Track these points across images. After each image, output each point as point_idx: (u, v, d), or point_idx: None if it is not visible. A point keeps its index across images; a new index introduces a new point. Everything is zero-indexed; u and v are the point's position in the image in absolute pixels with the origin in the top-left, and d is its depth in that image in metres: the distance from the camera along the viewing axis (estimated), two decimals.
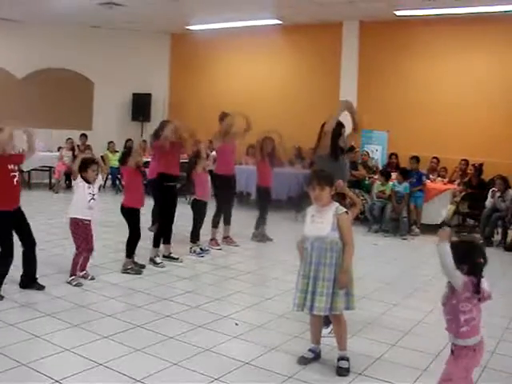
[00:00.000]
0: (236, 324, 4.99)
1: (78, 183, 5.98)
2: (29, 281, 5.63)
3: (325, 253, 3.98)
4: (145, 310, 5.28)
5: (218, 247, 8.12)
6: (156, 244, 7.05)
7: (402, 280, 6.74)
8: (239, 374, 3.99)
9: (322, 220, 4.03)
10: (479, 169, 10.73)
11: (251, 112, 13.87)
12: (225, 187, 8.36)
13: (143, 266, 6.70)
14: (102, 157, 14.09)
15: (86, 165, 6.04)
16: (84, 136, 14.63)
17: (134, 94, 15.85)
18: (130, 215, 6.53)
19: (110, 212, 8.56)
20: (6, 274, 5.40)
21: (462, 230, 10.09)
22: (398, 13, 11.67)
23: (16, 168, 5.49)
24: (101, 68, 15.33)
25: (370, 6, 11.39)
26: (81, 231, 5.97)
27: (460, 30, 11.79)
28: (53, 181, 13.76)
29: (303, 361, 4.22)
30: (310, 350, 4.30)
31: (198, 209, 7.82)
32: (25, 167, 13.31)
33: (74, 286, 5.81)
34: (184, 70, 15.99)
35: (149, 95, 15.87)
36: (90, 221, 6.03)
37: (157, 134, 7.09)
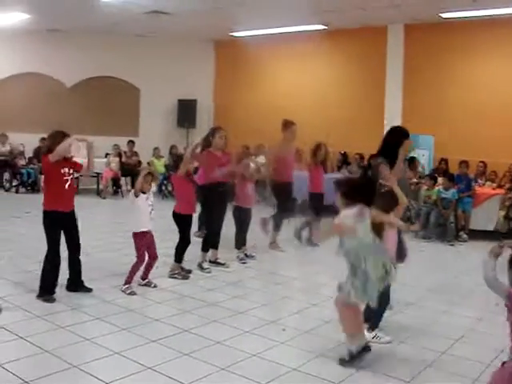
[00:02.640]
0: (283, 329, 4.99)
1: (139, 198, 5.98)
2: (75, 284, 5.75)
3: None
4: (192, 314, 5.33)
5: (280, 249, 8.29)
6: (204, 249, 7.09)
7: (449, 287, 6.62)
8: (287, 379, 4.00)
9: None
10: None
11: (296, 118, 14.03)
12: (286, 194, 8.40)
13: (190, 271, 6.76)
14: (148, 163, 14.38)
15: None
16: (131, 142, 14.88)
17: (180, 101, 16.04)
18: (182, 221, 6.59)
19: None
20: (57, 275, 5.53)
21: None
22: (443, 15, 11.50)
23: (70, 172, 5.57)
24: (147, 75, 15.60)
25: (414, 8, 11.28)
26: (145, 242, 6.02)
27: (507, 31, 11.53)
28: (100, 186, 14.03)
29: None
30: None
31: (238, 215, 7.79)
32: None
33: (128, 294, 5.83)
34: (229, 77, 16.11)
35: (194, 101, 16.03)
36: (150, 231, 6.09)
37: (207, 140, 7.13)
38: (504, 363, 3.15)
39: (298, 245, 8.72)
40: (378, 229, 4.32)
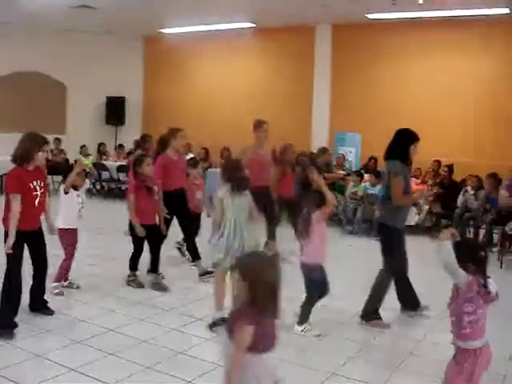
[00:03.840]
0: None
1: (68, 195, 5.75)
2: (40, 304, 5.16)
3: None
4: (117, 314, 5.25)
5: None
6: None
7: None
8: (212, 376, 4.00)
9: None
10: (450, 169, 10.87)
11: (225, 115, 14.13)
12: (266, 199, 7.56)
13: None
14: (75, 161, 14.03)
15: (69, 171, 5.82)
16: (57, 140, 14.50)
17: (108, 98, 15.78)
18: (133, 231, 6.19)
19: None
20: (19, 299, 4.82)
21: (436, 231, 10.18)
22: (369, 16, 11.79)
23: (40, 186, 4.83)
24: (74, 71, 15.21)
25: (342, 9, 11.49)
26: (72, 239, 5.82)
27: (431, 33, 11.93)
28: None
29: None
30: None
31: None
32: None
33: (55, 294, 5.58)
34: (158, 73, 15.96)
35: (123, 98, 15.81)
36: (77, 229, 5.88)
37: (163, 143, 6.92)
38: (455, 355, 3.30)
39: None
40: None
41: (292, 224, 7.97)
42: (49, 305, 5.20)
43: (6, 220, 4.68)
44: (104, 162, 13.88)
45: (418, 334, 5.04)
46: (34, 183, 4.74)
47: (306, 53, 13.45)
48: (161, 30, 14.66)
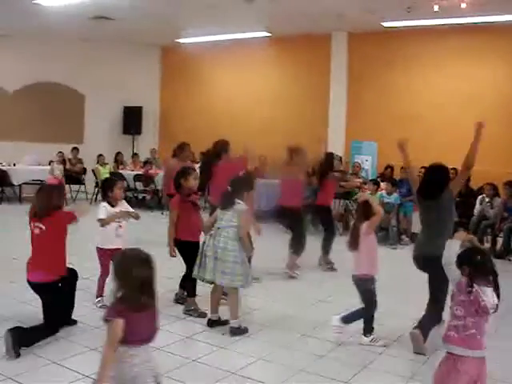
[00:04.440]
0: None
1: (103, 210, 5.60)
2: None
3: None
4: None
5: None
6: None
7: (393, 288, 6.72)
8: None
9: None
10: (467, 177, 10.79)
11: (241, 123, 14.17)
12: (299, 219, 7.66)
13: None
14: (93, 170, 14.20)
15: (112, 184, 5.75)
16: (75, 149, 14.66)
17: (125, 107, 15.91)
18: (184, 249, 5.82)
19: None
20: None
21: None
22: (385, 24, 11.80)
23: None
24: (91, 81, 15.38)
25: (357, 17, 11.52)
26: (109, 259, 5.37)
27: (447, 40, 11.91)
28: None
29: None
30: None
31: None
32: (15, 181, 13.35)
33: (100, 307, 5.53)
34: (174, 83, 16.08)
35: (140, 108, 15.93)
36: (115, 248, 5.44)
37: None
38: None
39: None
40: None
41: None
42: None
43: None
44: (121, 171, 13.99)
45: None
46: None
47: (322, 61, 13.47)
48: (177, 40, 14.77)
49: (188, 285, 5.72)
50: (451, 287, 3.33)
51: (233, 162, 7.04)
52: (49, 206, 4.74)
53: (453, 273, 3.31)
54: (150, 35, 14.50)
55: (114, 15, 12.24)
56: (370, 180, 11.34)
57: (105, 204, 5.66)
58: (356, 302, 5.04)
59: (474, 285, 3.15)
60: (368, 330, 4.98)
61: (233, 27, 13.01)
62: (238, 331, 5.09)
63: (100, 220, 5.57)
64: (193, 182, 5.77)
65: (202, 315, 5.50)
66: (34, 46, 14.59)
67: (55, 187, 5.28)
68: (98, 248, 5.70)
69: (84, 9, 11.54)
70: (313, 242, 8.08)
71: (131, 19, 12.48)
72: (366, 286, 4.93)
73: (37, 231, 4.71)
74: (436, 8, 9.96)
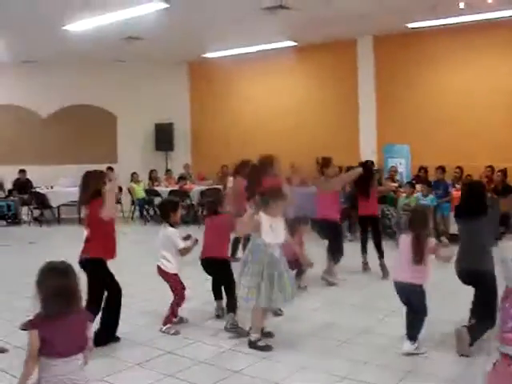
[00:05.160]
0: None
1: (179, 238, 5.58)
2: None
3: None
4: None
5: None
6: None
7: (434, 290, 6.61)
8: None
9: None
10: (504, 174, 10.65)
11: (272, 134, 14.20)
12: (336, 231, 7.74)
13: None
14: (128, 189, 14.39)
15: (176, 206, 5.75)
16: (110, 169, 14.84)
17: (157, 125, 16.10)
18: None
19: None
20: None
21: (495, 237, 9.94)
22: (410, 25, 11.71)
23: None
24: (122, 101, 15.66)
25: (382, 20, 11.47)
26: (181, 283, 5.65)
27: (474, 38, 11.74)
28: (82, 215, 13.94)
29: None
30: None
31: None
32: (54, 203, 13.63)
33: (172, 334, 5.45)
34: (203, 98, 16.22)
35: (171, 125, 16.09)
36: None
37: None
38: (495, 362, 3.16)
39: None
40: None
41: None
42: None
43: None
44: (156, 188, 14.15)
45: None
46: None
47: (349, 66, 13.43)
48: (204, 55, 14.90)
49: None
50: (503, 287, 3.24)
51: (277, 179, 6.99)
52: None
53: (509, 270, 3.21)
54: (177, 52, 14.68)
55: (141, 35, 12.41)
56: (406, 183, 11.23)
57: (175, 230, 5.58)
58: (395, 305, 4.98)
59: None
60: (414, 336, 4.80)
61: (258, 39, 13.06)
62: (255, 346, 4.97)
63: (182, 250, 5.51)
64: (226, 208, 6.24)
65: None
66: (65, 70, 14.92)
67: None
68: (171, 274, 5.56)
69: (112, 31, 11.71)
70: (351, 247, 8.06)
71: (157, 37, 12.63)
72: (417, 292, 4.79)
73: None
74: (462, 5, 9.85)
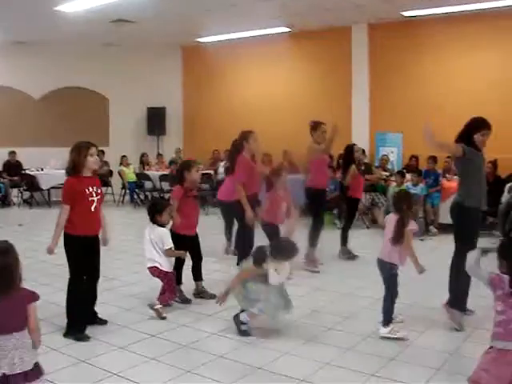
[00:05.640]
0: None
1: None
2: (91, 316, 5.15)
3: None
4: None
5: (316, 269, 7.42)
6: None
7: (419, 280, 6.63)
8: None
9: None
10: (494, 165, 10.65)
11: (265, 119, 14.15)
12: (321, 203, 7.77)
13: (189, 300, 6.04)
14: (118, 172, 14.34)
15: (161, 209, 5.62)
16: (101, 152, 14.77)
17: (149, 109, 16.02)
18: (179, 242, 5.80)
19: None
20: (87, 306, 5.07)
21: (482, 228, 9.97)
22: (405, 13, 11.67)
23: (96, 192, 4.89)
24: (114, 84, 15.57)
25: (376, 8, 11.43)
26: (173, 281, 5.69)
27: (468, 27, 11.70)
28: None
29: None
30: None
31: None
32: (44, 185, 13.58)
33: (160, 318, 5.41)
34: (196, 82, 16.13)
35: (163, 109, 16.02)
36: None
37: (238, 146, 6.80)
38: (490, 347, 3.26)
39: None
40: None
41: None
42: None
43: (67, 226, 4.81)
44: (147, 172, 14.11)
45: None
46: (90, 189, 4.81)
47: (343, 53, 13.38)
48: (198, 40, 14.82)
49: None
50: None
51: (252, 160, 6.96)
52: None
53: (480, 274, 3.35)
54: (171, 36, 14.57)
55: (133, 18, 12.32)
56: (397, 172, 11.24)
57: (167, 230, 5.59)
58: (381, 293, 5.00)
59: None
60: (387, 319, 4.90)
61: (253, 24, 13.00)
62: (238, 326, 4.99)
63: (169, 251, 5.51)
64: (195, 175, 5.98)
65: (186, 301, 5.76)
66: (57, 52, 14.80)
67: None
68: (168, 272, 5.58)
69: (104, 13, 11.65)
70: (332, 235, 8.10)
71: (151, 21, 12.55)
72: (391, 272, 4.89)
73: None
74: None
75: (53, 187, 13.53)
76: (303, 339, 4.88)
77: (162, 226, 5.61)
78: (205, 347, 4.69)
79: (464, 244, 4.95)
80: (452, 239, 5.29)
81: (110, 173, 14.56)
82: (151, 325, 5.24)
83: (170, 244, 5.50)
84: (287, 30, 13.54)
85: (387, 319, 4.88)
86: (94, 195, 4.84)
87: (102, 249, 5.15)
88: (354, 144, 8.72)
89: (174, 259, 5.76)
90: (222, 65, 15.53)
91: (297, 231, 6.42)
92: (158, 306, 5.42)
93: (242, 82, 15.37)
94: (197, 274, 6.12)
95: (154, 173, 13.95)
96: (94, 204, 4.84)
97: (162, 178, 13.51)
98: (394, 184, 10.69)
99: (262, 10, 11.56)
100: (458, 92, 12.00)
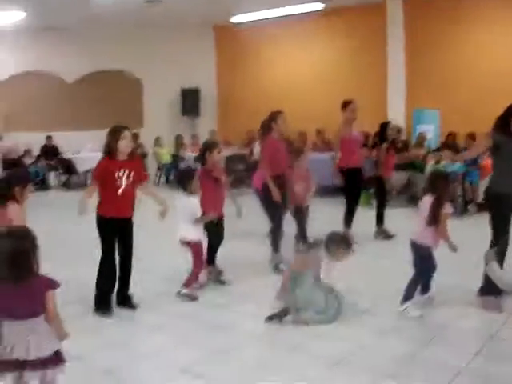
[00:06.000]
0: None
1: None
2: (123, 297, 5.21)
3: None
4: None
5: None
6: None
7: (459, 259, 6.45)
8: None
9: None
10: None
11: (298, 100, 13.99)
12: (353, 182, 7.69)
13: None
14: (153, 153, 14.40)
15: (191, 176, 5.58)
16: (135, 135, 14.82)
17: (183, 90, 15.98)
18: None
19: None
20: (114, 285, 5.13)
21: None
22: None
23: (127, 175, 4.91)
24: (148, 66, 15.52)
25: None
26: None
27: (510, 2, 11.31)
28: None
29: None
30: None
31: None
32: (80, 168, 13.73)
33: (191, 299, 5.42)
34: (230, 63, 16.03)
35: (197, 90, 15.97)
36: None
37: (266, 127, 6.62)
38: None
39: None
40: None
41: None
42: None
43: (98, 206, 4.98)
44: (181, 154, 14.13)
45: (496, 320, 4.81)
46: (120, 173, 4.85)
47: (378, 30, 13.07)
48: (230, 20, 14.66)
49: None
50: None
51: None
52: None
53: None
54: (203, 16, 14.44)
55: None
56: (433, 150, 10.98)
57: (196, 201, 5.51)
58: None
59: None
60: (406, 297, 4.87)
61: (286, 0, 12.79)
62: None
63: (199, 219, 5.47)
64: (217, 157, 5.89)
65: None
66: (89, 36, 14.82)
67: None
68: (196, 242, 5.53)
69: None
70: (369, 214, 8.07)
71: (182, 0, 12.46)
72: (422, 253, 4.86)
73: None
74: None
75: (89, 170, 13.64)
76: (337, 321, 4.80)
77: (192, 193, 5.53)
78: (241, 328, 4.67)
79: (496, 231, 4.87)
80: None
81: (145, 155, 14.62)
82: (183, 306, 5.26)
83: (198, 213, 5.46)
84: (320, 6, 13.27)
85: (405, 297, 4.86)
86: (124, 179, 4.87)
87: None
88: (389, 121, 8.52)
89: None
90: (255, 45, 15.37)
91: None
92: (185, 291, 5.41)
93: (275, 62, 15.18)
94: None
95: (189, 154, 13.94)
96: (122, 187, 4.88)
97: (197, 159, 13.45)
98: (432, 162, 10.44)
99: None
100: (498, 63, 11.59)
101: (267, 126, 6.59)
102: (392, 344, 4.30)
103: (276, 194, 6.30)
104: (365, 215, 8.21)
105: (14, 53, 14.75)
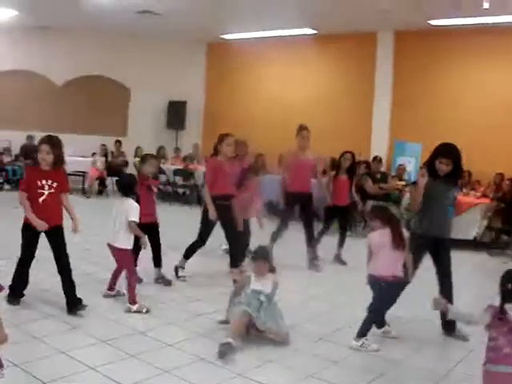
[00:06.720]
0: None
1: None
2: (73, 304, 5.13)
3: None
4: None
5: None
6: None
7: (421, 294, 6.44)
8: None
9: None
10: None
11: (285, 121, 13.98)
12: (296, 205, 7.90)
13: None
14: (134, 164, 14.28)
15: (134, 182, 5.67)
16: (118, 142, 14.79)
17: (170, 102, 15.96)
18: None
19: None
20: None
21: (495, 247, 9.78)
22: (432, 22, 11.45)
23: (49, 185, 5.01)
24: (137, 76, 15.53)
25: (404, 15, 11.23)
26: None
27: (497, 40, 11.46)
28: (85, 186, 13.93)
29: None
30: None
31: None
32: None
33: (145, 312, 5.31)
34: (219, 79, 16.06)
35: (184, 103, 15.96)
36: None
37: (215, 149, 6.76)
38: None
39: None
40: None
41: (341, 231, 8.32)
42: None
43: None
44: (162, 166, 14.02)
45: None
46: (42, 182, 5.00)
47: (368, 60, 13.20)
48: (223, 36, 14.73)
49: None
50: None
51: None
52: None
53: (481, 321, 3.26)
54: (196, 30, 14.51)
55: (160, 10, 12.27)
56: (412, 183, 10.99)
57: (137, 205, 5.44)
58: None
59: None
60: (361, 333, 4.75)
61: (278, 24, 12.89)
62: None
63: (133, 224, 5.34)
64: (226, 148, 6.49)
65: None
66: (81, 39, 14.83)
67: None
68: (128, 249, 5.44)
69: (131, 3, 11.62)
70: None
71: (177, 15, 12.51)
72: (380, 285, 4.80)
73: None
74: (486, 5, 9.55)
75: (68, 174, 13.48)
76: (291, 349, 4.73)
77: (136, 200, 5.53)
78: (188, 348, 4.57)
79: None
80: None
81: (126, 163, 14.52)
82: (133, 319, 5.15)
83: (136, 217, 5.34)
84: (312, 31, 13.37)
85: (361, 332, 4.76)
86: (46, 188, 5.01)
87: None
88: (346, 152, 8.51)
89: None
90: (245, 62, 15.43)
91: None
92: (135, 308, 5.30)
93: (264, 81, 15.25)
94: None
95: (168, 167, 13.87)
96: (44, 197, 5.01)
97: (176, 172, 13.43)
98: (409, 195, 10.45)
99: (287, 9, 11.48)
100: (480, 105, 11.74)
101: (214, 148, 6.75)
102: (339, 376, 4.22)
103: (212, 213, 6.45)
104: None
105: (4, 50, 14.66)
